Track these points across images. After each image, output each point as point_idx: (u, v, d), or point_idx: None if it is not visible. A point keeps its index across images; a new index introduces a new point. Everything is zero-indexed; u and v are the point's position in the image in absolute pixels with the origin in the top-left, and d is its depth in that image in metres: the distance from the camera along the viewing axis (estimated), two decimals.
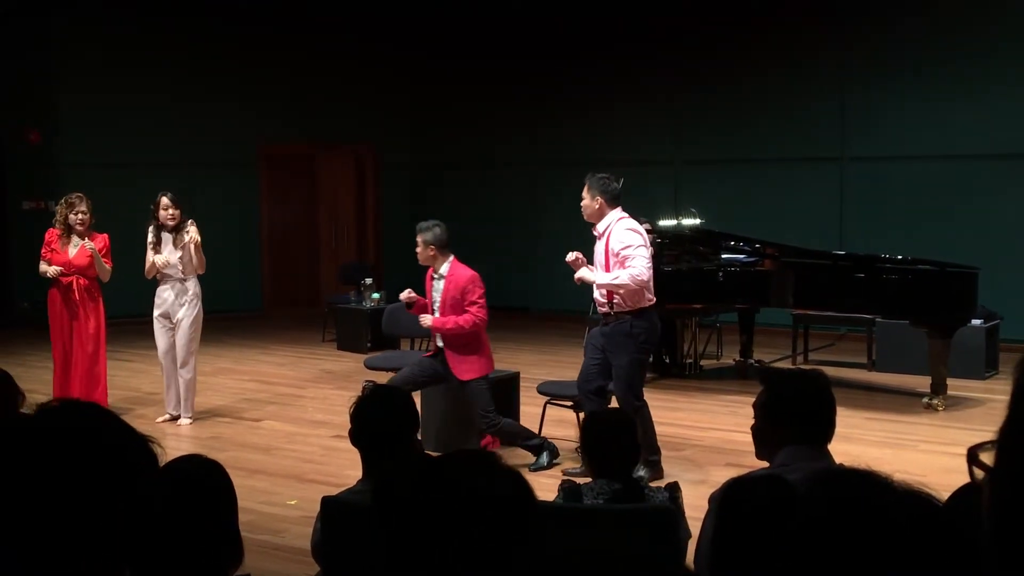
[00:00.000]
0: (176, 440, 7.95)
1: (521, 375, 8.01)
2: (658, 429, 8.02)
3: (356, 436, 3.64)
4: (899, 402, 9.06)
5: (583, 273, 6.63)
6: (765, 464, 3.31)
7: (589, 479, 3.93)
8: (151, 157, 13.62)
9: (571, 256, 6.74)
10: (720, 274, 9.63)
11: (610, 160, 13.38)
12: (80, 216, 8.23)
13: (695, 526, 3.15)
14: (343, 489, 3.84)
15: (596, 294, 6.70)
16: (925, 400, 8.82)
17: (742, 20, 13.00)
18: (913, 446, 7.69)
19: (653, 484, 4.06)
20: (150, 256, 8.38)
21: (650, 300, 6.63)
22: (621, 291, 6.50)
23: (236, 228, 13.93)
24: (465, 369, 6.92)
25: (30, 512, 1.30)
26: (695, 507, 2.72)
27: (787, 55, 12.65)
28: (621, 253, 6.49)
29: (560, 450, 7.12)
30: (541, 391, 7.56)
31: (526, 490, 1.69)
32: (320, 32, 14.56)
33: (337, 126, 14.90)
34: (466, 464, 1.72)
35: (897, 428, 8.19)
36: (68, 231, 8.27)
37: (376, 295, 11.88)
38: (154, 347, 8.64)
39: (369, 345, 11.45)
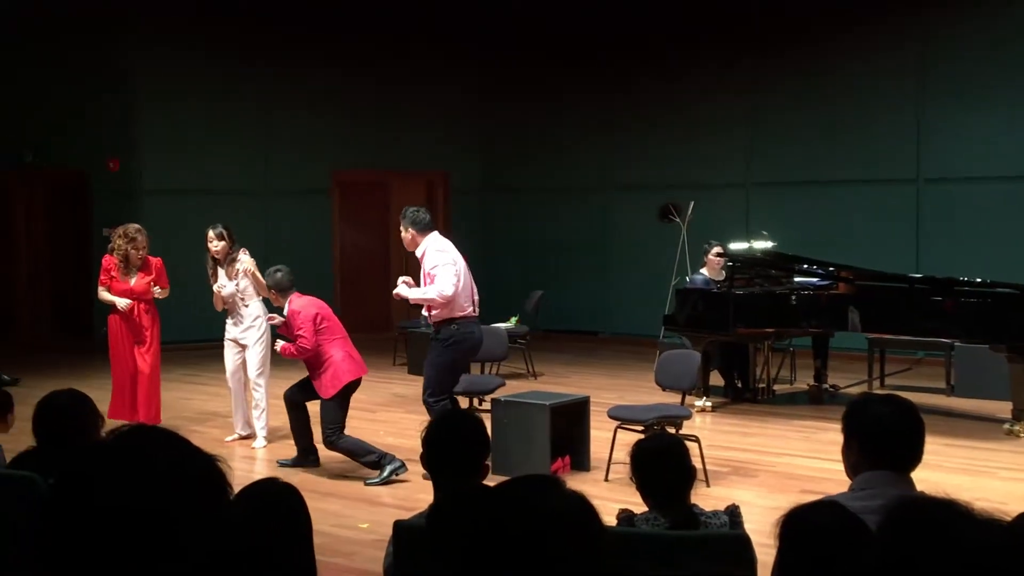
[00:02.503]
0: (248, 463, 8.04)
1: (591, 399, 7.97)
2: (730, 455, 7.98)
3: (427, 460, 3.65)
4: (979, 428, 8.85)
5: (399, 289, 7.51)
6: (840, 491, 3.25)
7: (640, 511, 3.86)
8: (228, 184, 13.89)
9: (401, 279, 7.65)
10: (793, 297, 9.52)
11: (681, 183, 13.35)
12: (141, 252, 8.56)
13: (764, 552, 3.10)
14: (415, 513, 3.85)
15: (424, 310, 7.66)
16: (1006, 426, 8.60)
17: (815, 41, 12.89)
18: (993, 473, 7.50)
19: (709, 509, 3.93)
20: (214, 289, 8.58)
21: (463, 309, 7.45)
22: (430, 304, 7.42)
23: (310, 254, 14.10)
24: (322, 389, 7.49)
25: (109, 535, 1.32)
26: (766, 533, 2.68)
27: (862, 75, 12.50)
28: (431, 272, 7.38)
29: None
30: (612, 416, 7.51)
31: (591, 515, 1.67)
32: (392, 61, 14.74)
33: (409, 153, 15.04)
34: (530, 488, 1.71)
35: (977, 455, 8.00)
36: (126, 262, 8.52)
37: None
38: (223, 370, 8.80)
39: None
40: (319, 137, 14.43)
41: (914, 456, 3.14)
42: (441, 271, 7.33)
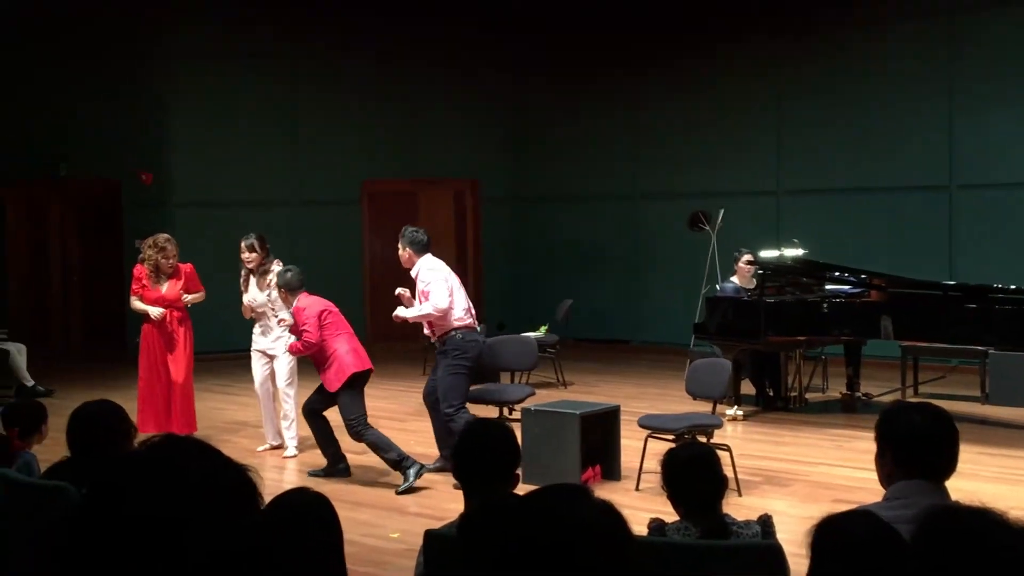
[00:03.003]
0: (280, 472, 8.08)
1: (622, 408, 7.94)
2: (762, 464, 7.94)
3: (458, 471, 3.65)
4: (1014, 436, 8.75)
5: (399, 311, 7.80)
6: (874, 500, 3.21)
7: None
8: (258, 195, 13.98)
9: (399, 291, 7.87)
10: (825, 305, 9.46)
11: (711, 191, 13.31)
12: (172, 260, 8.61)
13: (796, 562, 3.07)
14: (445, 523, 3.85)
15: (425, 329, 7.93)
16: None
17: (846, 47, 12.82)
18: None
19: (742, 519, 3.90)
20: (244, 299, 8.65)
21: (460, 320, 7.73)
22: (428, 319, 7.73)
23: (339, 264, 14.16)
24: (328, 383, 7.67)
25: (140, 545, 1.32)
26: (799, 543, 2.66)
27: (893, 81, 12.42)
28: (424, 290, 7.70)
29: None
30: (642, 424, 7.48)
31: (620, 524, 1.67)
32: (421, 70, 14.80)
33: (438, 162, 15.08)
34: (559, 498, 1.70)
35: (1013, 463, 7.90)
36: (156, 270, 8.57)
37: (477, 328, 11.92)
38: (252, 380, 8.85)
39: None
40: (348, 147, 14.50)
41: (948, 465, 3.11)
42: (434, 287, 7.67)
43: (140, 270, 8.67)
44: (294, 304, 7.85)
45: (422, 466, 7.50)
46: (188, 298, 8.70)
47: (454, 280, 7.87)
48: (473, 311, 7.98)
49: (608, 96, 14.64)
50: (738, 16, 13.56)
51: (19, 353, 11.61)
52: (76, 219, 14.95)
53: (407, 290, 7.87)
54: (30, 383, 11.39)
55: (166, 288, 8.61)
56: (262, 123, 14.10)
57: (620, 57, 14.51)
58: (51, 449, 5.14)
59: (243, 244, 8.68)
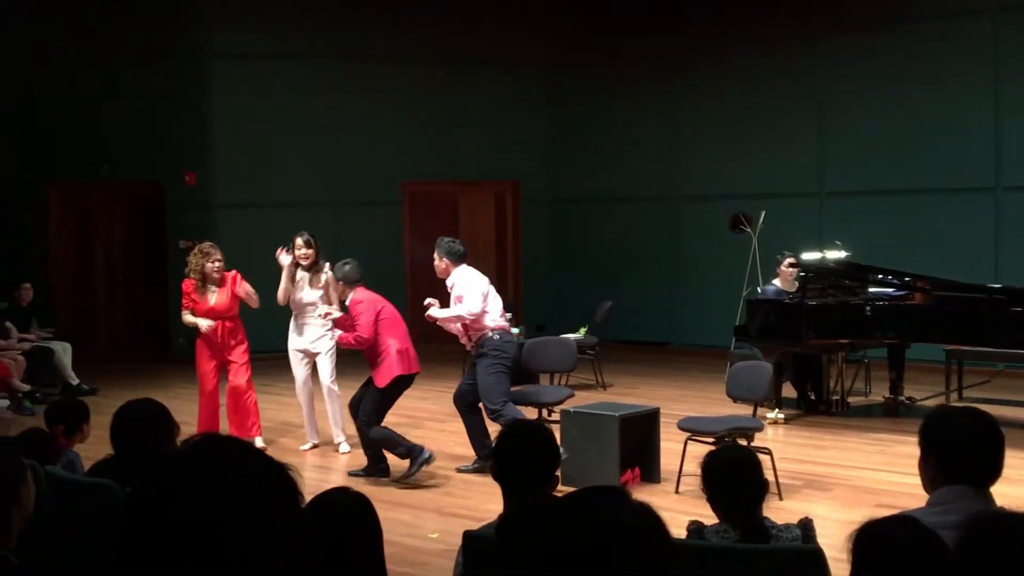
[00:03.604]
0: (320, 472, 8.12)
1: (661, 411, 7.92)
2: (804, 468, 7.88)
3: (497, 471, 3.65)
4: None
5: (430, 312, 7.92)
6: (917, 506, 3.18)
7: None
8: (299, 197, 14.09)
9: (428, 301, 8.06)
10: (868, 308, 9.37)
11: (753, 193, 13.23)
12: (217, 264, 8.60)
13: (838, 567, 3.05)
14: (484, 523, 3.85)
15: (462, 337, 7.99)
16: None
17: (889, 47, 12.70)
18: None
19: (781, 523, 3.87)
20: (284, 286, 8.65)
21: (497, 323, 7.85)
22: (458, 322, 7.88)
23: (380, 265, 14.21)
24: (376, 377, 7.74)
25: (184, 544, 1.34)
26: (840, 548, 2.64)
27: (937, 81, 12.28)
28: (459, 295, 7.83)
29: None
30: (682, 427, 7.45)
31: (659, 527, 1.66)
32: (461, 71, 14.84)
33: (478, 164, 15.11)
34: (597, 500, 1.70)
35: None
36: (203, 280, 8.58)
37: (516, 330, 11.92)
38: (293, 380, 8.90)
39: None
40: (389, 149, 14.56)
41: (994, 470, 3.07)
42: (468, 292, 7.79)
43: (187, 284, 8.66)
44: (350, 297, 7.88)
45: (430, 454, 7.61)
46: (248, 292, 8.62)
47: (490, 288, 7.98)
48: (508, 316, 8.09)
49: (648, 97, 14.60)
50: (780, 16, 13.47)
51: (64, 352, 11.76)
52: (120, 220, 15.12)
53: (436, 301, 8.03)
54: (75, 381, 11.54)
55: (214, 300, 8.61)
56: (304, 124, 14.20)
57: (660, 58, 14.45)
58: (95, 447, 5.20)
59: (299, 240, 8.68)
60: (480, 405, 7.91)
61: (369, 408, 7.70)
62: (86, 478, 4.37)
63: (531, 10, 15.27)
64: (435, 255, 7.99)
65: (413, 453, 7.55)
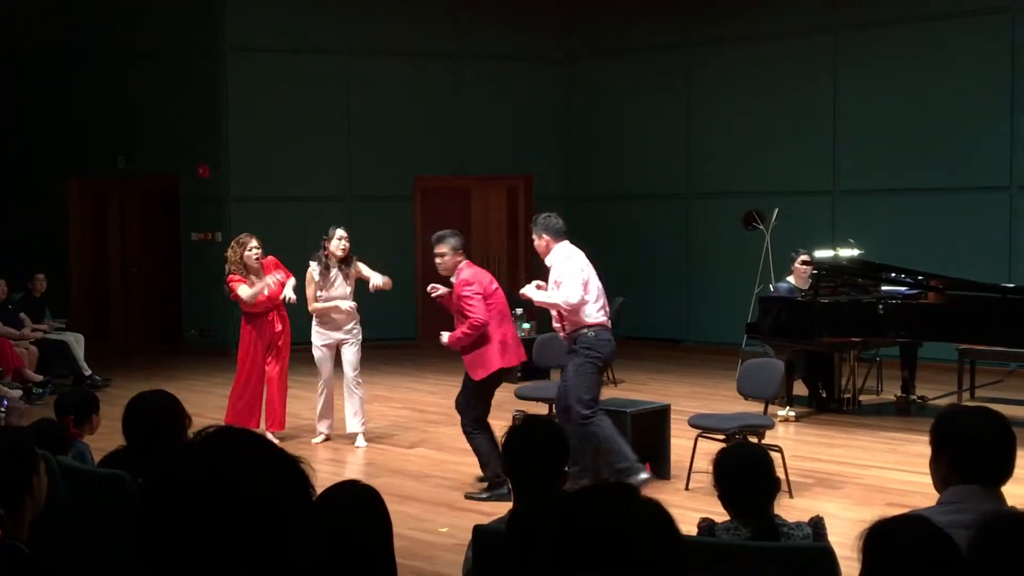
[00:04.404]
0: (332, 465, 8.14)
1: (672, 408, 7.91)
2: (815, 466, 7.86)
3: (506, 466, 3.66)
4: None
5: (527, 289, 7.23)
6: (928, 505, 3.17)
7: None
8: (312, 191, 14.12)
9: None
10: (880, 306, 9.34)
11: (765, 190, 13.19)
12: (255, 252, 8.53)
13: (848, 565, 3.04)
14: (494, 518, 3.86)
15: (554, 323, 7.30)
16: None
17: (904, 44, 12.64)
18: None
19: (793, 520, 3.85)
20: (313, 294, 8.53)
21: (595, 319, 7.12)
22: (554, 310, 7.16)
23: (391, 260, 14.23)
24: (471, 370, 7.11)
25: (197, 535, 1.34)
26: (851, 546, 2.63)
27: (952, 80, 12.22)
28: (557, 280, 7.13)
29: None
30: (692, 424, 7.44)
31: (669, 524, 1.66)
32: (475, 65, 14.84)
33: (491, 159, 15.11)
34: (608, 497, 1.70)
35: None
36: (245, 270, 8.54)
37: (527, 325, 11.95)
38: (309, 373, 8.91)
39: (520, 375, 11.48)
40: (402, 143, 14.57)
41: (1005, 470, 3.06)
42: (567, 278, 7.07)
43: (232, 278, 8.53)
44: (458, 273, 7.21)
45: (508, 491, 7.13)
46: (291, 293, 8.51)
47: (590, 273, 7.24)
48: (608, 308, 7.39)
49: (663, 94, 14.57)
50: (795, 13, 13.42)
51: (77, 343, 11.81)
52: (136, 212, 15.17)
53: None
54: (87, 372, 11.59)
55: (265, 288, 8.53)
56: (317, 118, 14.22)
57: (675, 55, 14.42)
58: (107, 438, 5.22)
59: (340, 230, 8.53)
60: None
61: (464, 406, 7.12)
62: (98, 469, 4.39)
63: (546, 4, 15.25)
64: (533, 234, 7.29)
65: (496, 481, 6.90)
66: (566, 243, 7.28)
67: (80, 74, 14.73)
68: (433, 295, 7.46)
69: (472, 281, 7.14)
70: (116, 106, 14.56)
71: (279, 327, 8.65)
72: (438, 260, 7.35)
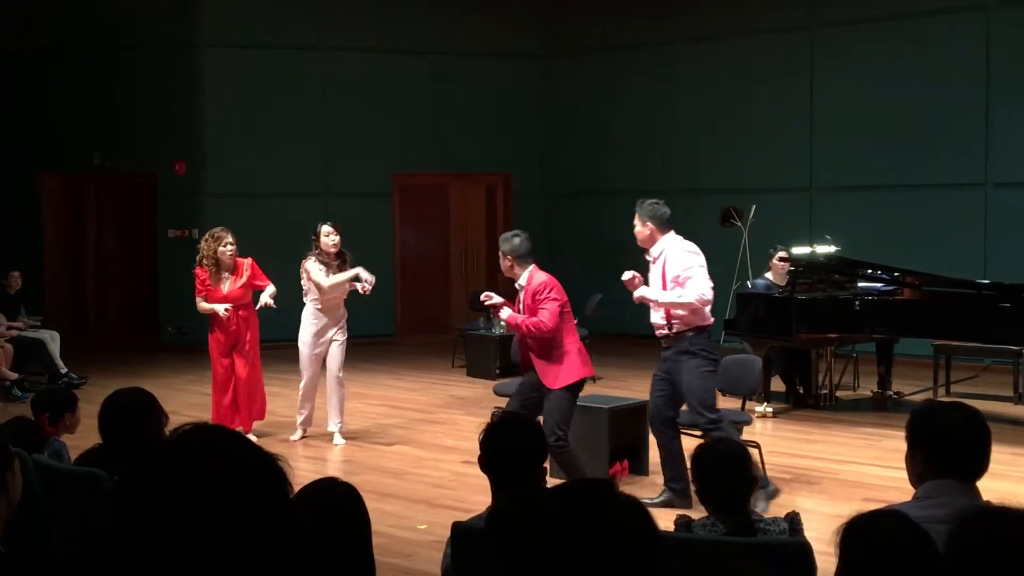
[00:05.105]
0: (310, 463, 8.12)
1: None
2: (792, 461, 7.90)
3: (485, 463, 3.66)
4: None
5: (643, 292, 6.55)
6: (904, 500, 3.19)
7: (688, 515, 3.82)
8: (290, 187, 14.07)
9: (627, 275, 6.67)
10: (857, 303, 9.39)
11: (743, 187, 13.24)
12: (230, 248, 8.45)
13: (825, 560, 3.06)
14: (473, 515, 3.86)
15: (654, 317, 6.67)
16: None
17: (881, 41, 12.70)
18: None
19: (768, 515, 3.86)
20: (327, 282, 8.43)
21: (709, 319, 6.58)
22: (683, 311, 6.46)
23: (370, 256, 14.18)
24: (552, 378, 6.51)
25: (174, 533, 1.34)
26: (828, 541, 2.65)
27: (928, 76, 12.29)
28: (682, 275, 6.45)
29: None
30: None
31: (646, 520, 1.66)
32: (453, 62, 14.82)
33: (469, 155, 15.09)
34: (586, 493, 1.70)
35: None
36: (217, 266, 8.49)
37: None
38: (290, 371, 8.87)
39: (498, 371, 11.52)
40: (379, 139, 14.53)
41: (980, 465, 3.09)
42: (697, 273, 6.44)
43: (201, 272, 8.49)
44: (526, 277, 6.62)
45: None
46: (269, 301, 8.46)
47: None
48: None
49: (641, 91, 14.59)
50: (771, 10, 13.47)
51: (52, 340, 11.72)
52: (112, 209, 15.08)
53: (636, 273, 6.70)
54: (63, 370, 11.50)
55: (228, 287, 8.49)
56: (295, 115, 14.17)
57: (653, 51, 14.45)
58: (84, 436, 5.19)
59: (330, 227, 8.48)
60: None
61: (558, 419, 6.40)
62: (74, 467, 4.36)
63: (525, 1, 15.25)
64: (636, 220, 6.66)
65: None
66: (674, 234, 6.66)
67: (56, 70, 14.62)
68: (487, 303, 6.93)
69: (553, 285, 6.55)
70: (92, 102, 14.46)
71: (243, 328, 8.56)
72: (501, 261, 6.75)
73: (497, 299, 6.83)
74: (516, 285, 6.69)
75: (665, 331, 6.59)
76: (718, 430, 6.36)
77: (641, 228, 6.65)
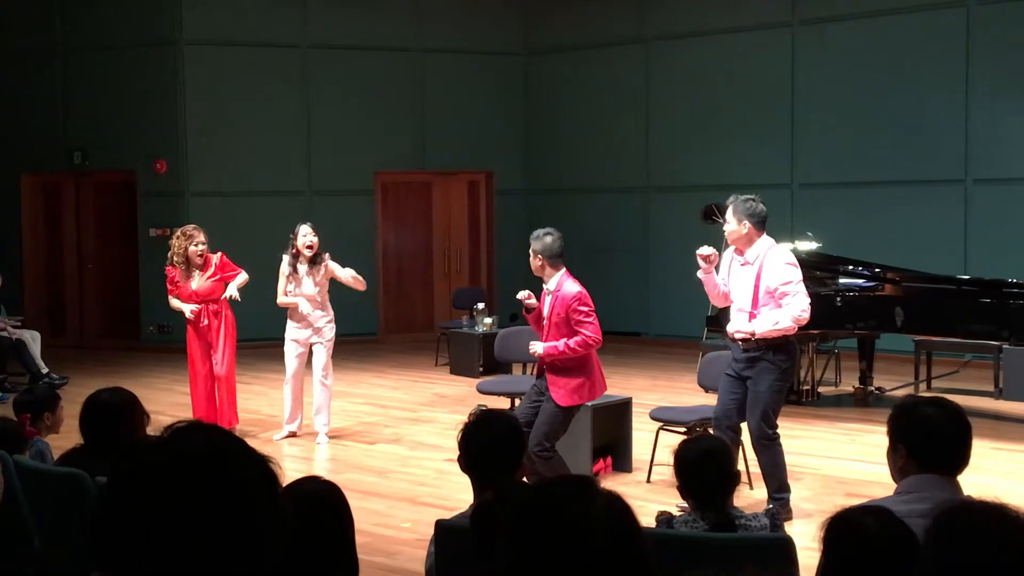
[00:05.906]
0: (294, 461, 8.10)
1: (634, 401, 7.95)
2: None
3: (464, 461, 3.66)
4: None
5: (739, 325, 6.18)
6: (886, 495, 3.21)
7: (678, 512, 3.83)
8: (272, 185, 14.02)
9: (707, 250, 6.32)
10: (838, 299, 9.43)
11: (724, 184, 13.26)
12: (200, 248, 8.44)
13: (808, 556, 3.07)
14: (456, 513, 3.86)
15: (736, 325, 6.29)
16: None
17: (862, 38, 12.75)
18: None
19: (749, 512, 3.87)
20: (283, 287, 8.48)
21: (794, 328, 6.32)
22: (786, 331, 6.16)
23: (353, 255, 14.16)
24: (559, 393, 6.28)
25: (160, 533, 1.33)
26: (811, 536, 2.66)
27: (908, 73, 12.35)
28: (779, 290, 6.12)
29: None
30: (654, 417, 7.49)
31: (627, 516, 1.67)
32: (434, 60, 14.80)
33: (452, 154, 15.07)
34: (568, 490, 1.71)
35: None
36: (187, 264, 8.47)
37: (488, 320, 11.95)
38: (274, 369, 8.84)
39: (481, 369, 11.52)
40: (361, 138, 14.50)
41: (961, 460, 3.11)
42: (795, 288, 6.11)
43: (171, 271, 8.50)
44: (555, 282, 6.31)
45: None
46: (235, 292, 8.44)
47: None
48: None
49: (621, 88, 14.60)
50: (751, 7, 13.50)
51: (33, 340, 11.66)
52: (91, 208, 14.99)
53: (714, 250, 6.41)
54: (44, 370, 11.45)
55: (196, 283, 8.48)
56: (276, 113, 14.12)
57: (633, 49, 14.46)
58: (66, 437, 5.16)
59: (308, 227, 8.43)
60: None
61: (546, 431, 6.20)
62: (55, 467, 4.34)
63: (505, 3, 15.24)
64: (727, 217, 6.32)
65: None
66: (767, 236, 6.27)
67: (34, 68, 14.52)
68: (526, 301, 6.49)
69: (585, 299, 6.27)
70: (71, 100, 14.38)
71: (213, 323, 8.52)
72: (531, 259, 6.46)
73: (534, 301, 6.45)
74: (544, 287, 6.43)
75: (748, 338, 6.23)
76: (769, 447, 6.26)
77: (737, 227, 6.27)
